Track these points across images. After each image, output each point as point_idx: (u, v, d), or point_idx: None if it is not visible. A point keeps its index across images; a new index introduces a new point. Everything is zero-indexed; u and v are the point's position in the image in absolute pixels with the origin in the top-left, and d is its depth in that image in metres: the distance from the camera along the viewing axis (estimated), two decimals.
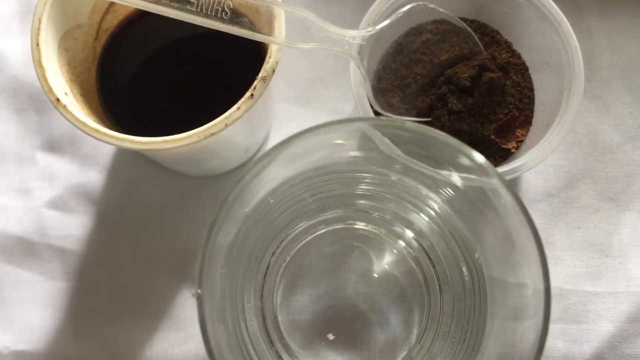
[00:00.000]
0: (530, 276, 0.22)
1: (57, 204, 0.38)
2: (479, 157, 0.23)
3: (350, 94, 0.34)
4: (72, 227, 0.38)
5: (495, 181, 0.23)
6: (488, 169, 0.23)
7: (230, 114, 0.28)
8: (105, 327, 0.37)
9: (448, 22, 0.35)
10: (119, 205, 0.38)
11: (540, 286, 0.20)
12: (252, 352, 0.31)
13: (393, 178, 0.32)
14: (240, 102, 0.29)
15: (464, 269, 0.32)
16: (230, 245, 0.27)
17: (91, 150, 0.39)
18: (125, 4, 0.28)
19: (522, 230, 0.22)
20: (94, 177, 0.38)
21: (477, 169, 0.23)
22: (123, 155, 0.39)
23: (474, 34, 0.36)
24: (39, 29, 0.29)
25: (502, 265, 0.29)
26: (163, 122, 0.33)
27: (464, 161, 0.24)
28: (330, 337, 0.35)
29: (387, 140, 0.30)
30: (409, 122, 0.25)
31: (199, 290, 0.19)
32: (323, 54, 0.40)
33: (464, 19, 0.36)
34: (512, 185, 0.39)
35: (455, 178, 0.28)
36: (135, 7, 0.28)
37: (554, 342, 0.37)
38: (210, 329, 0.19)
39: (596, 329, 0.37)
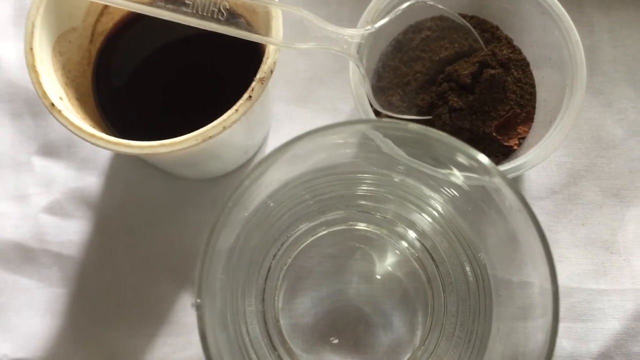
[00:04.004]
0: (537, 275, 0.22)
1: (54, 210, 0.38)
2: (482, 157, 0.23)
3: (349, 93, 0.34)
4: (70, 233, 0.37)
5: (498, 180, 0.23)
6: (490, 168, 0.23)
7: (229, 116, 0.28)
8: (105, 333, 0.36)
9: (447, 19, 0.35)
10: (117, 209, 0.38)
11: (548, 286, 0.20)
12: (253, 356, 0.31)
13: (396, 179, 0.31)
14: (238, 104, 0.28)
15: (467, 268, 0.32)
16: (231, 249, 0.27)
17: (88, 155, 0.38)
18: (119, 6, 0.27)
19: (527, 230, 0.21)
20: (91, 182, 0.38)
21: (480, 168, 0.23)
22: (121, 159, 0.38)
23: (473, 30, 0.35)
24: (32, 32, 0.29)
25: (507, 264, 0.28)
26: (160, 125, 0.33)
27: (466, 161, 0.24)
28: (334, 341, 0.34)
29: (389, 142, 0.29)
30: (410, 123, 0.24)
31: (198, 300, 0.19)
32: (321, 54, 0.39)
33: (463, 15, 0.36)
34: (515, 182, 0.38)
35: (458, 178, 0.28)
36: (130, 10, 0.27)
37: (559, 341, 0.36)
38: (211, 338, 0.18)
39: (602, 327, 0.36)
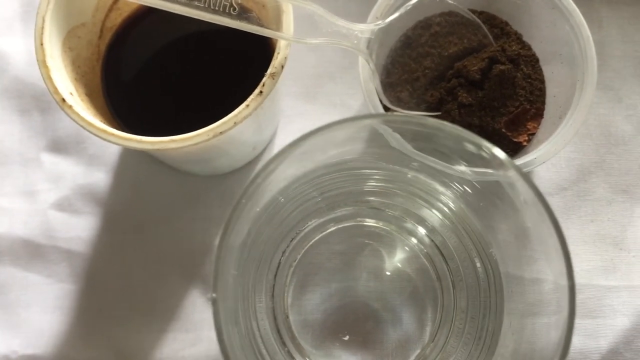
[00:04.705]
0: (552, 271, 0.22)
1: (63, 206, 0.38)
2: (496, 150, 0.23)
3: (358, 89, 0.34)
4: (79, 229, 0.37)
5: (513, 174, 0.23)
6: (506, 162, 0.22)
7: (239, 111, 0.28)
8: (114, 329, 0.36)
9: (457, 14, 0.35)
10: (126, 205, 0.38)
11: (564, 282, 0.20)
12: (264, 352, 0.31)
13: (406, 175, 0.31)
14: (249, 99, 0.28)
15: (478, 264, 0.32)
16: (242, 245, 0.27)
17: (97, 151, 0.38)
18: (135, 1, 0.27)
19: (542, 224, 0.21)
20: (100, 178, 0.38)
21: (495, 162, 0.23)
22: (129, 155, 0.38)
23: (483, 26, 0.35)
24: (42, 27, 0.29)
25: (519, 260, 0.28)
26: (170, 121, 0.33)
27: (480, 154, 0.24)
28: (345, 337, 0.34)
29: (397, 136, 0.29)
30: (421, 116, 0.24)
31: (214, 295, 0.19)
32: (330, 49, 0.39)
33: (472, 11, 0.36)
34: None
35: (469, 173, 0.28)
36: (145, 4, 0.27)
37: None
38: (226, 333, 0.18)
39: (612, 324, 0.36)
